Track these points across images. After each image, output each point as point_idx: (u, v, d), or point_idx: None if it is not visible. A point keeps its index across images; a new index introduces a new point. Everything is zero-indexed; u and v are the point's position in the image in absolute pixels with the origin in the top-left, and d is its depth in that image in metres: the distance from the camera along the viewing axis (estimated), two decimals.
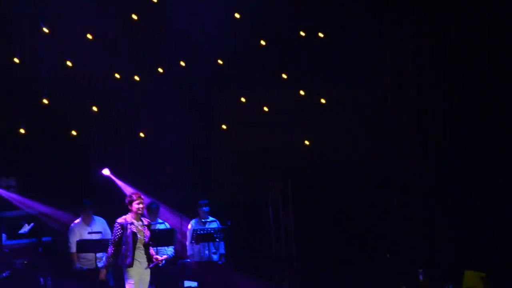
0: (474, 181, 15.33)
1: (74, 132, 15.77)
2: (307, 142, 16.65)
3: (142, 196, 12.10)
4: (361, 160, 16.31)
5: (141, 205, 11.96)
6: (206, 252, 14.42)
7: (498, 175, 15.08)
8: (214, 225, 14.50)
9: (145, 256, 11.99)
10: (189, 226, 14.50)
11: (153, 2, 15.87)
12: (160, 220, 14.37)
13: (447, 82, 15.88)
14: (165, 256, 12.98)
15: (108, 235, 13.78)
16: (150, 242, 12.00)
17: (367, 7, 16.14)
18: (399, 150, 16.26)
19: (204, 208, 14.54)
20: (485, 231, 14.96)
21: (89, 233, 14.01)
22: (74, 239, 13.98)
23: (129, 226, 11.85)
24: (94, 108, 15.98)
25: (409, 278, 12.34)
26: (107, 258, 12.02)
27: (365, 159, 16.27)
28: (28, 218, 14.69)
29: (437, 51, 15.88)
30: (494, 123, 15.31)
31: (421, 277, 11.12)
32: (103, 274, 12.03)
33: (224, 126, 16.66)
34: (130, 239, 11.82)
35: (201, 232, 14.23)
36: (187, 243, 14.56)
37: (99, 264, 13.88)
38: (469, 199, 15.32)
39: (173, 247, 14.30)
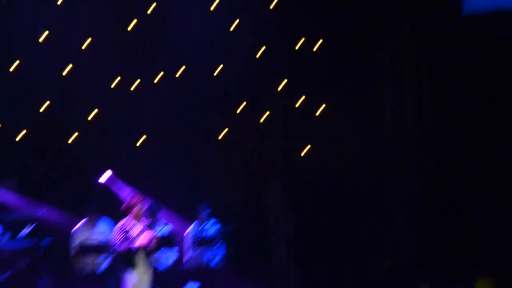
0: (476, 185, 15.44)
1: (73, 136, 15.77)
2: (306, 150, 16.73)
3: (142, 199, 12.06)
4: (361, 167, 16.37)
5: (141, 208, 11.93)
6: (206, 256, 14.39)
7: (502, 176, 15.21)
8: (215, 227, 14.47)
9: (146, 258, 11.94)
10: (189, 230, 14.46)
11: (153, 8, 15.97)
12: (161, 223, 14.32)
13: (447, 87, 16.02)
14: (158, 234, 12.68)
15: (111, 237, 13.72)
16: (151, 244, 11.94)
17: (366, 16, 16.29)
18: (400, 158, 16.35)
19: (204, 211, 14.51)
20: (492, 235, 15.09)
21: (91, 236, 13.96)
22: (76, 243, 13.92)
23: (130, 229, 11.82)
24: (93, 113, 16.01)
25: None
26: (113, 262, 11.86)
27: (365, 166, 16.34)
28: (29, 220, 14.60)
29: (438, 59, 16.05)
30: (495, 126, 15.47)
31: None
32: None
33: (223, 133, 16.69)
34: (132, 243, 11.79)
35: (202, 236, 14.23)
36: (186, 247, 14.52)
37: (101, 268, 13.82)
38: (471, 205, 15.42)
39: (176, 248, 14.28)
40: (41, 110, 15.59)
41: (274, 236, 16.42)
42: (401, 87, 16.50)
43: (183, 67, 16.23)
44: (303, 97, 16.48)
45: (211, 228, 14.50)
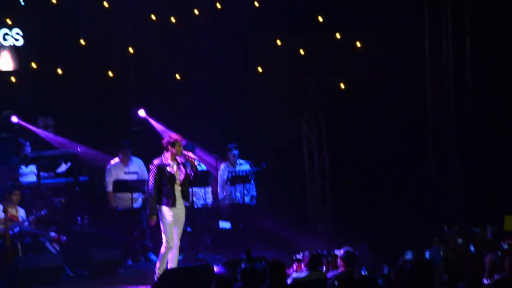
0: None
1: (110, 73, 15.82)
2: (342, 86, 16.60)
3: (182, 138, 12.04)
4: (397, 104, 16.23)
5: (179, 148, 11.92)
6: (238, 194, 14.49)
7: None
8: (247, 167, 14.51)
9: (181, 196, 12.02)
10: (220, 170, 14.52)
11: None
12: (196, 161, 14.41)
13: (487, 22, 15.68)
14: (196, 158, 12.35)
15: (145, 175, 13.89)
16: (191, 178, 11.95)
17: None
18: (437, 96, 16.16)
19: (233, 152, 14.49)
20: None
21: (126, 173, 14.14)
22: (111, 179, 14.09)
23: (166, 167, 11.86)
24: (130, 49, 16.02)
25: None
26: (151, 202, 11.87)
27: (401, 103, 16.20)
28: (65, 158, 14.80)
29: None
30: None
31: (446, 230, 10.98)
32: (153, 221, 11.89)
33: (260, 69, 16.63)
34: (169, 181, 11.86)
35: (236, 173, 14.27)
36: (219, 187, 14.62)
37: (135, 205, 14.00)
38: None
39: (210, 188, 14.40)
40: (81, 43, 15.58)
41: (309, 173, 16.44)
42: (440, 23, 16.20)
43: (219, 6, 16.10)
44: (341, 32, 16.26)
45: (244, 166, 14.53)
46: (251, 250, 10.42)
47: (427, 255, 10.13)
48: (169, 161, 11.93)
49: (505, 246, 10.16)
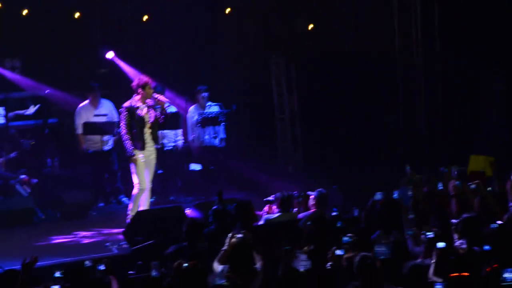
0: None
1: (77, 14, 15.67)
2: (310, 26, 16.61)
3: (149, 79, 11.98)
4: (365, 43, 16.28)
5: (149, 90, 11.87)
6: (206, 136, 14.43)
7: None
8: (216, 109, 14.46)
9: (151, 138, 12.01)
10: (189, 113, 14.46)
11: None
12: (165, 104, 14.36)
13: None
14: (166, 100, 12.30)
15: (115, 117, 13.83)
16: (160, 121, 11.94)
17: None
18: (405, 32, 16.16)
19: (203, 94, 14.41)
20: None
21: (96, 115, 14.03)
22: (80, 121, 13.98)
23: (136, 110, 11.83)
24: None
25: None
26: (128, 145, 11.81)
27: (369, 42, 16.24)
28: (34, 100, 14.70)
29: None
30: None
31: (408, 170, 11.12)
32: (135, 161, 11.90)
33: (228, 10, 16.55)
34: (139, 124, 11.84)
35: (206, 115, 14.24)
36: (188, 129, 14.59)
37: (105, 147, 13.99)
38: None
39: (181, 130, 14.39)
40: None
41: (279, 115, 16.51)
42: None
43: None
44: None
45: (213, 108, 14.49)
46: (222, 191, 10.50)
47: (395, 195, 10.27)
48: (139, 104, 11.87)
49: (473, 186, 10.33)
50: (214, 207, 10.21)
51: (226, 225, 9.60)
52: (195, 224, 9.45)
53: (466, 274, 7.44)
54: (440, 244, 8.01)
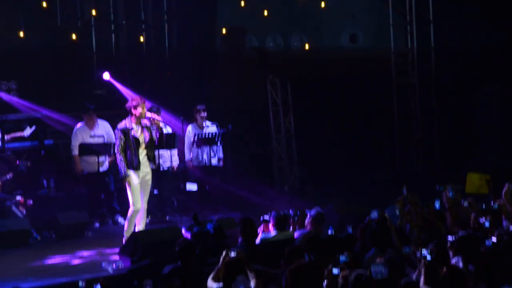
0: None
1: (74, 36, 15.71)
2: (307, 46, 16.67)
3: (144, 100, 11.99)
4: (361, 63, 16.34)
5: (142, 110, 11.88)
6: (205, 156, 14.45)
7: None
8: (213, 129, 14.51)
9: (147, 159, 11.99)
10: (187, 132, 14.49)
11: None
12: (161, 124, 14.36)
13: None
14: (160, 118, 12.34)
15: (111, 138, 13.81)
16: (156, 140, 11.93)
17: None
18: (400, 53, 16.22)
19: (202, 113, 14.45)
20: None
21: (91, 136, 14.03)
22: (76, 143, 13.97)
23: (130, 131, 11.82)
24: (93, 12, 15.90)
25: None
26: (121, 166, 11.80)
27: (364, 61, 16.31)
28: (30, 121, 14.70)
29: None
30: None
31: (404, 192, 11.10)
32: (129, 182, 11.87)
33: (224, 31, 16.60)
34: (133, 144, 11.82)
35: (203, 135, 14.26)
36: (185, 148, 14.60)
37: (101, 169, 13.97)
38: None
39: (176, 150, 14.39)
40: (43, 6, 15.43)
41: (275, 135, 16.52)
42: None
43: None
44: None
45: (209, 129, 14.51)
46: (197, 214, 10.55)
47: (386, 214, 10.29)
48: (133, 125, 11.87)
49: (466, 204, 10.34)
50: (195, 229, 10.22)
51: (208, 245, 9.63)
52: (188, 243, 9.44)
53: None
54: (428, 256, 8.03)
